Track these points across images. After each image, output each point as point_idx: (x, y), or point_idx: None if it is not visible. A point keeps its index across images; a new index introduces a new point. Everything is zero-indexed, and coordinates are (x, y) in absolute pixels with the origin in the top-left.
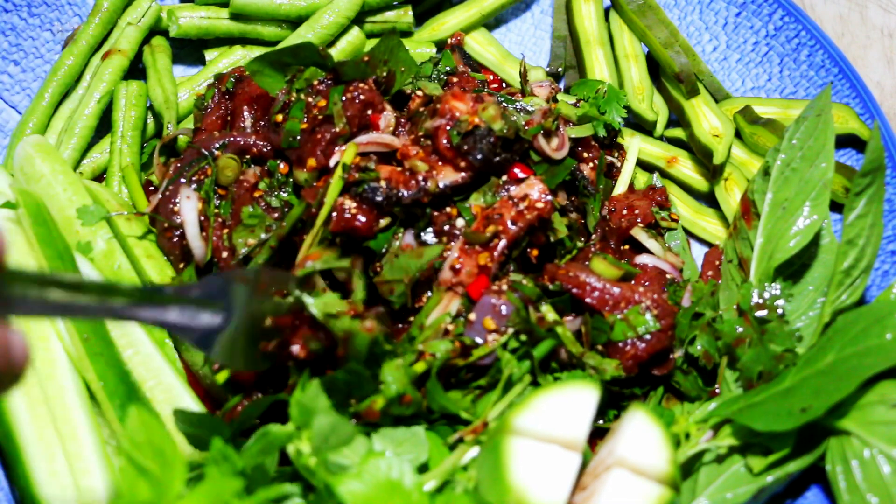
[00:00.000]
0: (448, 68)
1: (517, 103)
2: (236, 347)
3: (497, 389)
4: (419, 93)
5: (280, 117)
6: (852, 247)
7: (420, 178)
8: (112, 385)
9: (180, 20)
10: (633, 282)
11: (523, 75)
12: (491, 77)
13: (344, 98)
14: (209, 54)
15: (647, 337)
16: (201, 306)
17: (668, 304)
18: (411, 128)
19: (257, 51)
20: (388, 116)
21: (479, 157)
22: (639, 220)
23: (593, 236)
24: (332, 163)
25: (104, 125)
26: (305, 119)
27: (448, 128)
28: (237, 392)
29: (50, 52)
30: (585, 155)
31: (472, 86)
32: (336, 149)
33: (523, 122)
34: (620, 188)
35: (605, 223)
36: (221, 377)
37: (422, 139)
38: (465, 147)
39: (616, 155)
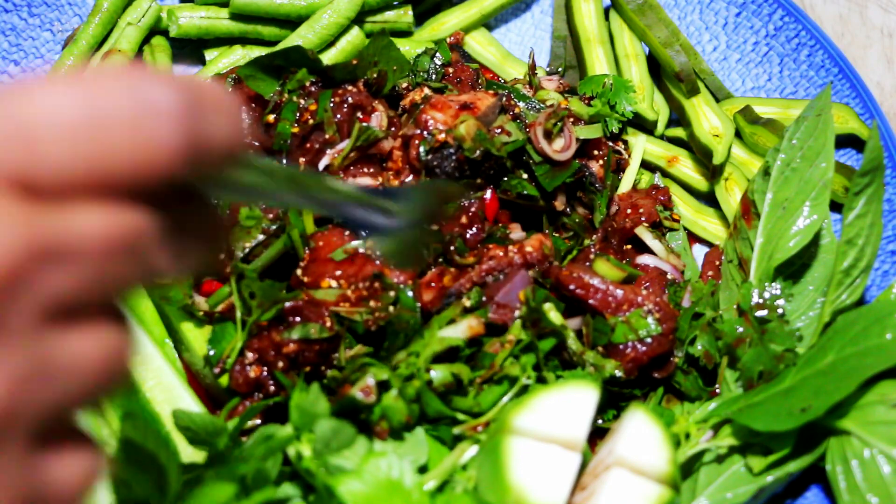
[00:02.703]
0: (443, 60)
1: (530, 101)
2: (406, 249)
3: (504, 384)
4: (415, 95)
5: (271, 118)
6: (852, 246)
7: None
8: None
9: (180, 20)
10: (635, 283)
11: (532, 67)
12: (490, 76)
13: (333, 103)
14: (209, 54)
15: (649, 340)
16: (379, 207)
17: (670, 308)
18: (400, 126)
19: (257, 51)
20: (378, 117)
21: (440, 173)
22: (643, 219)
23: (594, 236)
24: (321, 167)
25: None
26: (297, 122)
27: (418, 142)
28: (237, 393)
29: (50, 52)
30: (595, 152)
31: (468, 76)
32: (326, 153)
33: (527, 122)
34: (624, 188)
35: (609, 222)
36: (224, 380)
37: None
38: (433, 163)
39: (622, 147)
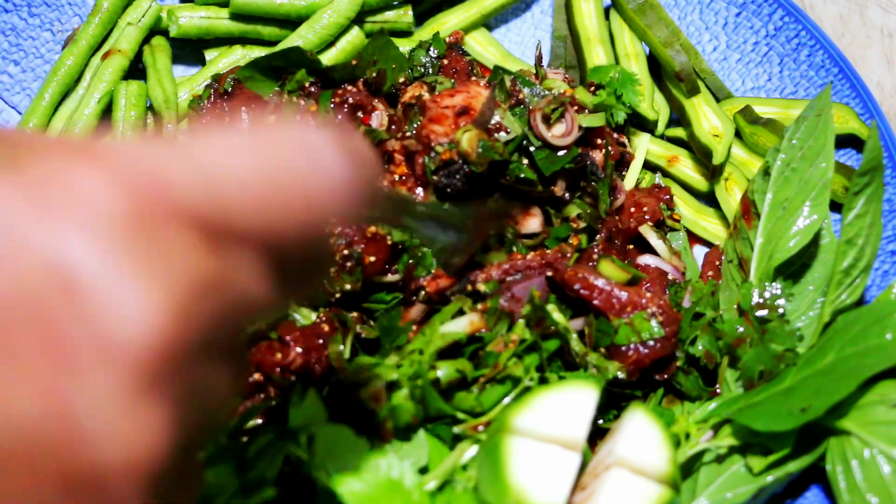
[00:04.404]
0: (438, 53)
1: (535, 87)
2: (453, 260)
3: (507, 384)
4: (413, 91)
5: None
6: (851, 246)
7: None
8: None
9: (180, 20)
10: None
11: (538, 59)
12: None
13: (333, 103)
14: (209, 54)
15: (651, 343)
16: (447, 223)
17: (673, 311)
18: (400, 124)
19: (257, 51)
20: (379, 116)
21: (450, 191)
22: (647, 217)
23: (598, 236)
24: None
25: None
26: None
27: (422, 160)
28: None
29: (50, 52)
30: (598, 141)
31: (463, 66)
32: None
33: (530, 109)
34: (628, 186)
35: (614, 222)
36: None
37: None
38: (443, 182)
39: (626, 140)
